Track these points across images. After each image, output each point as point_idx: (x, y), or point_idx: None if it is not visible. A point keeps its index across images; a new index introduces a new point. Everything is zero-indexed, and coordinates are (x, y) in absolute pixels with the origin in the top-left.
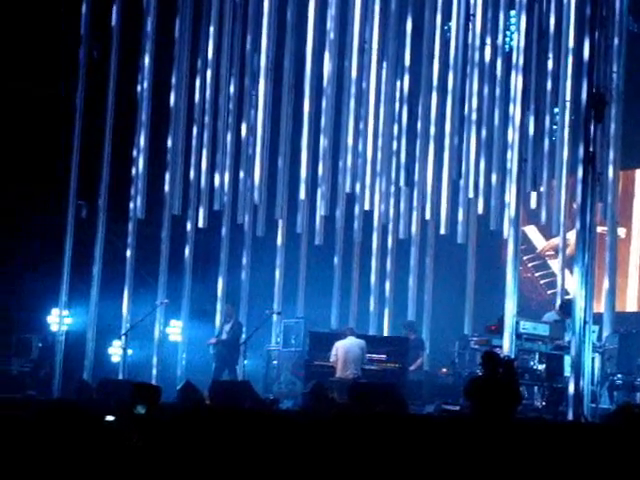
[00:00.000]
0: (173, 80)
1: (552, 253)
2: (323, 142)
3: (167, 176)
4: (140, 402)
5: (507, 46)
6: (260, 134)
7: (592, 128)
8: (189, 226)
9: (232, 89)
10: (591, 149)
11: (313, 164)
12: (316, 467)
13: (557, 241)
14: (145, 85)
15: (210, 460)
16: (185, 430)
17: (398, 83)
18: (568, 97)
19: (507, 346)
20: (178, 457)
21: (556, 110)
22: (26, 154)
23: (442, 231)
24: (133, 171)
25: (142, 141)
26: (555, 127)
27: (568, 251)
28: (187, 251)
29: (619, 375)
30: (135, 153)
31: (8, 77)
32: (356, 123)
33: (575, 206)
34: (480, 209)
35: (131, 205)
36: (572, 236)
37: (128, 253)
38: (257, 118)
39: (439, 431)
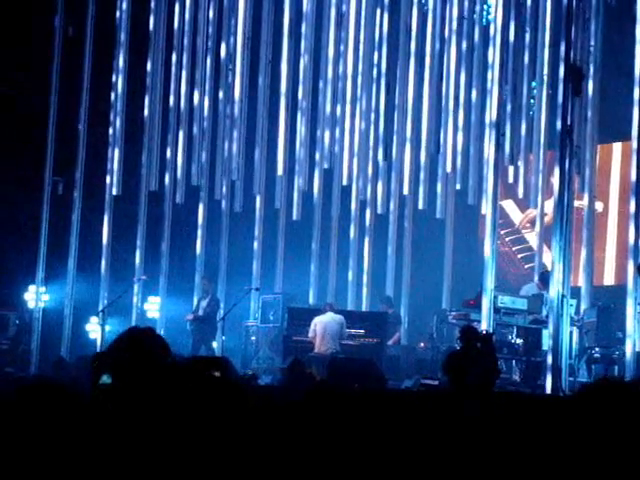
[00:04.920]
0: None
1: (529, 225)
2: (301, 117)
3: (144, 146)
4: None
5: (484, 20)
6: (238, 106)
7: (569, 102)
8: (166, 202)
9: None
10: (569, 123)
11: (291, 139)
12: (294, 444)
13: (535, 212)
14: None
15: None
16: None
17: (375, 56)
18: (545, 71)
19: (485, 320)
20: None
21: (534, 84)
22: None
23: (420, 206)
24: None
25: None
26: (532, 101)
27: (546, 220)
28: (165, 227)
29: (597, 348)
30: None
31: None
32: (334, 98)
33: (553, 180)
34: (458, 184)
35: (107, 180)
36: (550, 205)
37: (105, 229)
38: (235, 81)
39: (418, 405)
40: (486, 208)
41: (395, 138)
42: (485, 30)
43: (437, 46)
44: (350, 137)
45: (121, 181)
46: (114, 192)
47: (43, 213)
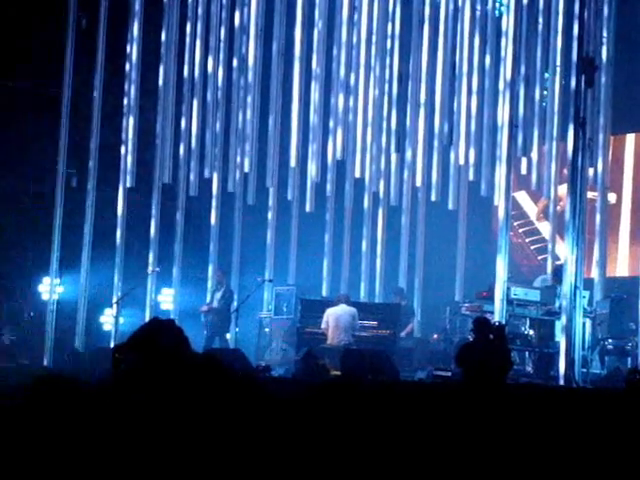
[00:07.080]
0: None
1: (543, 216)
2: (313, 109)
3: (158, 142)
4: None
5: (497, 12)
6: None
7: (582, 93)
8: (180, 194)
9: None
10: (581, 114)
11: (303, 131)
12: (307, 435)
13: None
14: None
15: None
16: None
17: (388, 47)
18: (558, 62)
19: (498, 312)
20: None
21: (546, 75)
22: (14, 119)
23: (433, 198)
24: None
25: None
26: (545, 92)
27: (559, 207)
28: (178, 219)
29: (610, 340)
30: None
31: None
32: (346, 90)
33: (565, 172)
34: (471, 175)
35: (121, 168)
36: (562, 190)
37: (118, 221)
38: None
39: (431, 397)
40: (499, 199)
41: (407, 130)
42: (498, 22)
43: (450, 38)
44: (363, 129)
45: (135, 173)
46: (128, 184)
47: (57, 205)
